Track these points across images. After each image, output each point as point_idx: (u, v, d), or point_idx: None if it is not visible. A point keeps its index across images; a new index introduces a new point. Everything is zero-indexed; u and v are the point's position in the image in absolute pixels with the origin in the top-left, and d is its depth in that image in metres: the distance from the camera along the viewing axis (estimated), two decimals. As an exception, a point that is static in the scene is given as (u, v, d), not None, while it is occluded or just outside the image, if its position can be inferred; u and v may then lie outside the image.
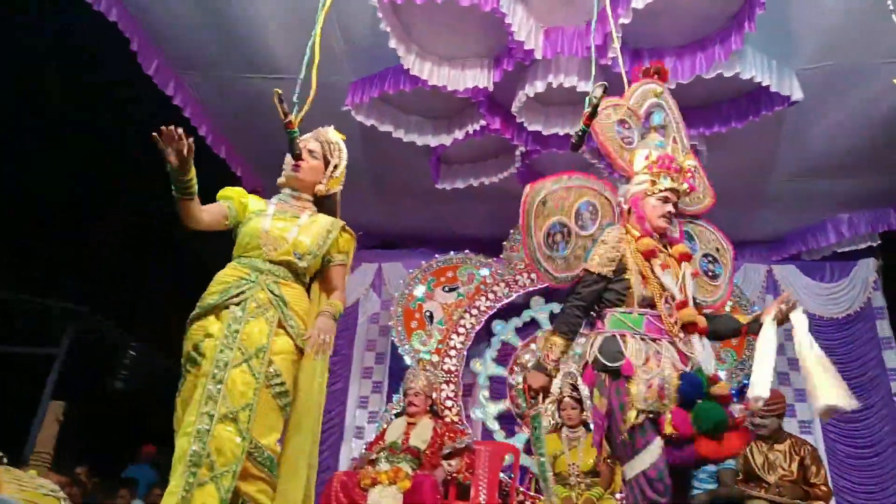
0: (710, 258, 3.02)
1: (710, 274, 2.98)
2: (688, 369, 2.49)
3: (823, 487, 4.01)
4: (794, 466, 4.02)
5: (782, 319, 2.58)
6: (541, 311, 6.40)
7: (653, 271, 2.62)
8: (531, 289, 6.29)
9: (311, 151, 2.73)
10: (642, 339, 2.52)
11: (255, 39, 4.74)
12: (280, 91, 2.55)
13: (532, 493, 5.56)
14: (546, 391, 2.61)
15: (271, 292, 2.47)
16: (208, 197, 2.64)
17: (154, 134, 2.28)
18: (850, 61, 4.62)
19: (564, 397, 4.88)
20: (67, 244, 6.38)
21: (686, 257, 2.74)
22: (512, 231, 6.39)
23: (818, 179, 5.87)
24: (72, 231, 6.43)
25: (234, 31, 4.70)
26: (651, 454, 2.34)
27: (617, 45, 3.39)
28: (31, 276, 6.45)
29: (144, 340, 7.05)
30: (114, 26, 4.42)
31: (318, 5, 3.08)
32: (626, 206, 2.83)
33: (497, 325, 6.41)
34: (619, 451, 2.49)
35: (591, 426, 4.88)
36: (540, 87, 4.60)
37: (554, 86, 4.56)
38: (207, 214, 2.54)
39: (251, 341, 2.36)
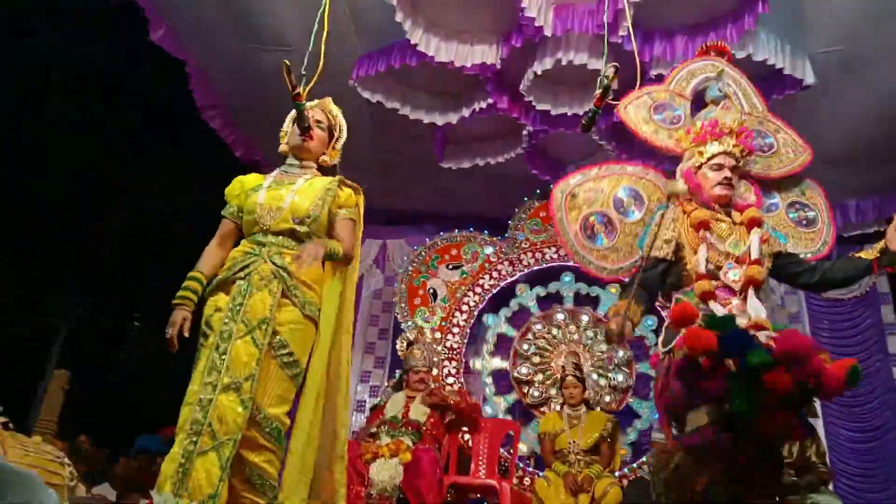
0: (798, 205, 2.86)
1: (804, 222, 2.82)
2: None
3: (822, 467, 4.02)
4: (794, 449, 4.03)
5: None
6: (528, 296, 6.26)
7: (710, 243, 2.50)
8: (535, 268, 6.27)
9: (318, 122, 2.73)
10: None
11: (262, 11, 4.68)
12: (289, 62, 2.53)
13: (531, 469, 5.61)
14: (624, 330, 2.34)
15: (274, 263, 2.47)
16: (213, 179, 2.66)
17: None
18: (865, 46, 4.56)
19: (567, 375, 4.90)
20: (67, 244, 6.38)
21: (756, 223, 2.58)
22: (517, 210, 6.36)
23: (829, 165, 5.80)
24: (72, 231, 6.44)
25: (240, 1, 4.64)
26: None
27: (629, 21, 3.33)
28: (31, 276, 6.46)
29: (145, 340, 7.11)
30: (114, 24, 4.37)
31: (326, -23, 3.04)
32: None
33: (489, 318, 6.22)
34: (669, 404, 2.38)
35: (589, 405, 4.95)
36: (549, 63, 4.55)
37: (563, 62, 4.51)
38: (225, 248, 2.64)
39: (254, 313, 2.38)
